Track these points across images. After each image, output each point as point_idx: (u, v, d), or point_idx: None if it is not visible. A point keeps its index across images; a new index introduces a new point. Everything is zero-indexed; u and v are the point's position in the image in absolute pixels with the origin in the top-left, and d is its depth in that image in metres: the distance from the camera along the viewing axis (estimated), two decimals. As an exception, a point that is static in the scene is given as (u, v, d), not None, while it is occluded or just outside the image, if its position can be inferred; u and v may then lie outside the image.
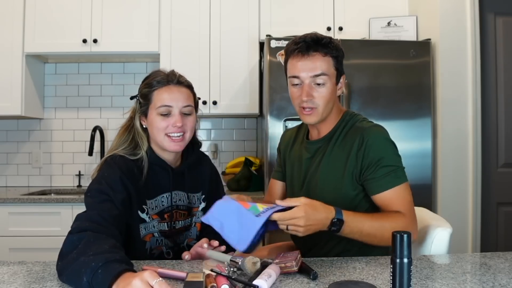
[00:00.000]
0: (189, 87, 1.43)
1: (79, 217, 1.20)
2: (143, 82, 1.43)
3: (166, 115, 1.36)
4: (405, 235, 0.82)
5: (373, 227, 1.24)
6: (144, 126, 1.42)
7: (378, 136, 1.36)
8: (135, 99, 1.46)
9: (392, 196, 1.31)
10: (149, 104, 1.38)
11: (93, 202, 1.24)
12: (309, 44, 1.35)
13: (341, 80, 1.43)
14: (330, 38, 1.38)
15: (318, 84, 1.36)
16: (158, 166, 1.41)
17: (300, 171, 1.51)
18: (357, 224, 1.23)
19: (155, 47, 2.94)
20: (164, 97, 1.36)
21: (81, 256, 1.01)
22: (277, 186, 1.68)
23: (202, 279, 1.00)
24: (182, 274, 1.07)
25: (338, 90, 1.43)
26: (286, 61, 1.43)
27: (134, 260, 1.24)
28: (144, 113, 1.40)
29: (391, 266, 0.83)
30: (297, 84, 1.38)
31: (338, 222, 1.19)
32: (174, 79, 1.39)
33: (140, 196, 1.35)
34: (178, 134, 1.37)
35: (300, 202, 1.17)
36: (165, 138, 1.37)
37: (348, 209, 1.31)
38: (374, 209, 1.40)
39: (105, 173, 1.32)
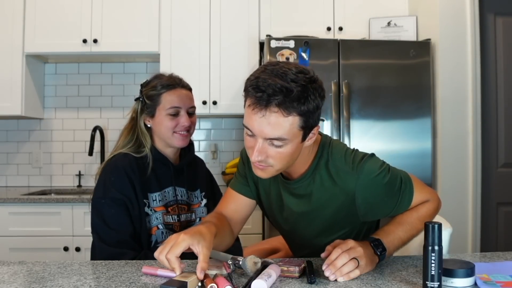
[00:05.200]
0: (191, 89, 1.58)
1: (106, 232, 1.39)
2: (147, 85, 1.54)
3: (175, 115, 1.49)
4: (436, 225, 0.91)
5: (406, 231, 1.20)
6: (149, 126, 1.54)
7: (373, 181, 1.18)
8: (136, 101, 1.57)
9: (415, 202, 1.26)
10: (157, 106, 1.50)
11: (114, 214, 1.39)
12: (271, 97, 1.02)
13: (314, 131, 1.14)
14: (304, 86, 1.04)
15: (275, 145, 1.09)
16: (160, 162, 1.53)
17: (282, 211, 1.32)
18: (394, 236, 1.18)
19: (155, 47, 2.94)
20: (173, 99, 1.50)
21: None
22: (241, 202, 1.36)
23: (187, 280, 0.97)
24: (182, 274, 1.07)
25: (307, 141, 1.14)
26: (245, 97, 1.11)
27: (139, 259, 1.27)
28: (151, 114, 1.52)
29: (424, 253, 0.92)
30: (251, 135, 1.12)
31: (382, 252, 1.14)
32: (179, 83, 1.54)
33: (143, 190, 1.45)
34: (185, 131, 1.52)
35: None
36: (174, 135, 1.50)
37: (355, 238, 1.27)
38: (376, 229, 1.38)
39: (112, 177, 1.43)
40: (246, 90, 1.09)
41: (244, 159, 1.40)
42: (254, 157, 1.10)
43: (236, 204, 1.36)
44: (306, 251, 1.34)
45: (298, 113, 1.05)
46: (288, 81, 1.03)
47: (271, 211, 1.36)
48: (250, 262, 1.08)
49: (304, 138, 1.12)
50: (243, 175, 1.38)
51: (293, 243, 1.45)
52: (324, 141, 1.25)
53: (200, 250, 1.02)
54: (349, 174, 1.18)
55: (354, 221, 1.27)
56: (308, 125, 1.09)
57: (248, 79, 1.09)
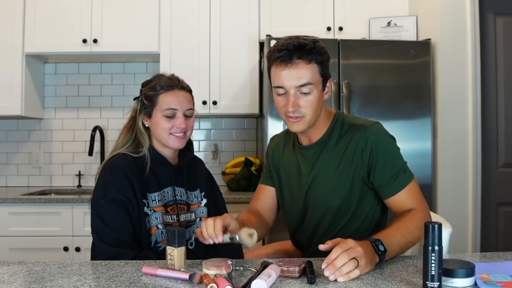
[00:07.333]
0: (190, 91, 1.56)
1: (105, 232, 1.38)
2: (146, 85, 1.54)
3: (171, 117, 1.49)
4: (436, 225, 0.91)
5: (404, 236, 1.22)
6: (147, 126, 1.54)
7: (382, 135, 1.36)
8: (136, 100, 1.56)
9: (405, 196, 1.32)
10: (154, 106, 1.50)
11: (114, 214, 1.40)
12: (292, 52, 1.28)
13: (328, 84, 1.38)
14: (314, 42, 1.32)
15: (304, 93, 1.30)
16: (159, 162, 1.53)
17: (299, 178, 1.46)
18: (392, 240, 1.20)
19: (155, 47, 2.94)
20: (170, 100, 1.49)
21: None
22: (268, 192, 1.59)
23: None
24: (182, 275, 1.07)
25: (325, 95, 1.38)
26: (269, 68, 1.36)
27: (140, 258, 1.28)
28: (148, 114, 1.51)
29: (424, 253, 0.92)
30: (282, 94, 1.33)
31: (383, 251, 1.15)
32: (178, 84, 1.52)
33: (142, 191, 1.45)
34: (181, 133, 1.51)
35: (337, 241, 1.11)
36: (170, 136, 1.50)
37: (358, 210, 1.38)
38: (382, 206, 1.43)
39: (111, 177, 1.43)
40: (269, 58, 1.33)
41: (269, 154, 1.61)
42: (289, 108, 1.30)
43: (264, 195, 1.59)
44: (317, 216, 1.42)
45: (315, 61, 1.30)
46: (301, 39, 1.31)
47: (289, 185, 1.50)
48: (244, 234, 1.09)
49: (323, 88, 1.35)
50: (267, 169, 1.60)
51: (305, 216, 1.47)
52: (338, 112, 1.47)
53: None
54: (360, 127, 1.37)
55: (359, 179, 1.36)
56: (325, 73, 1.34)
57: (269, 52, 1.35)
